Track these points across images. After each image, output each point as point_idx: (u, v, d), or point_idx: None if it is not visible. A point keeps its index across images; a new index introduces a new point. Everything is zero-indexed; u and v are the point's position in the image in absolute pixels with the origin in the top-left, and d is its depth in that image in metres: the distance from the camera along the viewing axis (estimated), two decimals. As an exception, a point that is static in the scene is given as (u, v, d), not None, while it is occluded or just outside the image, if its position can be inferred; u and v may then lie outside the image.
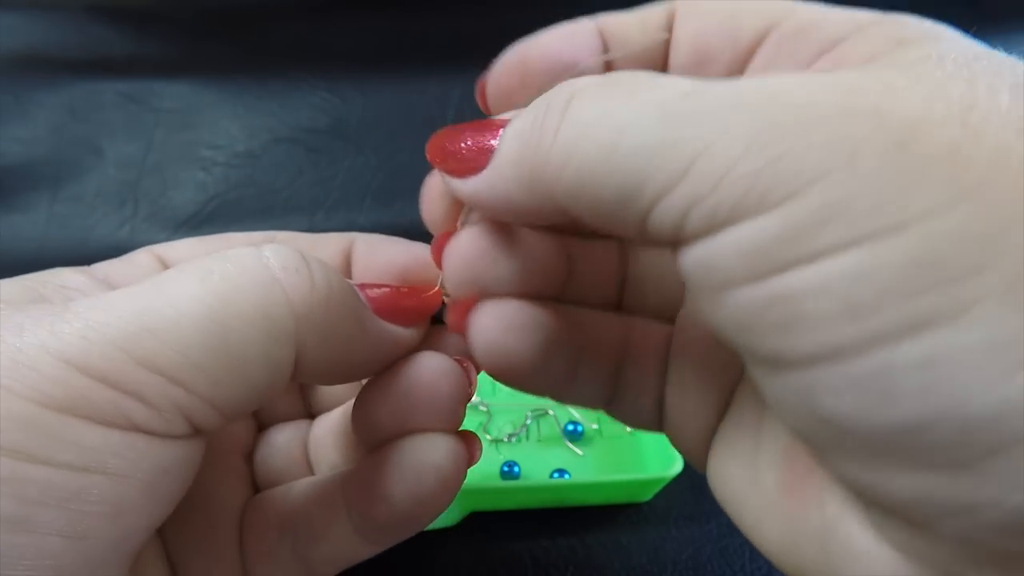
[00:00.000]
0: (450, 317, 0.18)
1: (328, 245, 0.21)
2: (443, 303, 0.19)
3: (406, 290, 0.18)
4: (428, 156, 0.17)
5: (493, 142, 0.15)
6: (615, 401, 0.19)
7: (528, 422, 0.34)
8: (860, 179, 0.10)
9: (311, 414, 0.24)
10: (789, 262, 0.10)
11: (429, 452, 0.18)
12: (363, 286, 0.18)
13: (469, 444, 0.19)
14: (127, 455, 0.13)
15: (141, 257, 0.19)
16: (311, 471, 0.22)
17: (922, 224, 0.10)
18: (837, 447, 0.11)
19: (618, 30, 0.17)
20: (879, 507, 0.12)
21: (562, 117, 0.13)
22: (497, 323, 0.17)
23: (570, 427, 0.33)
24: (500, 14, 0.51)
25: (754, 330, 0.11)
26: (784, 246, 0.10)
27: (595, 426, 0.34)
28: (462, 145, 0.16)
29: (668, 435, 0.19)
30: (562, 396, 0.19)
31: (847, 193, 0.10)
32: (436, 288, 0.19)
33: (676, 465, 0.28)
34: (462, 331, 0.17)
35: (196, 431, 0.14)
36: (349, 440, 0.22)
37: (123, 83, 0.52)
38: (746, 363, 0.13)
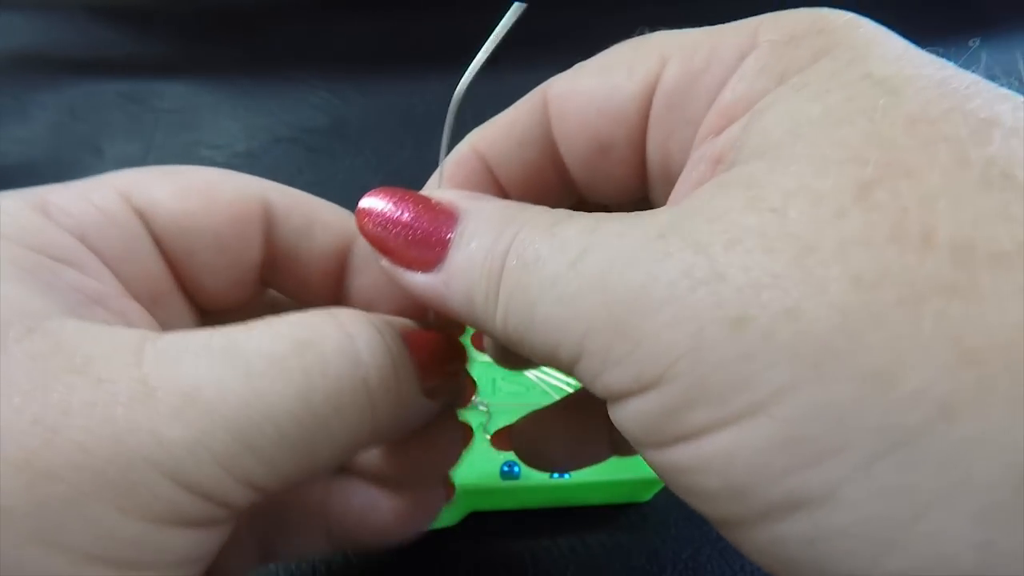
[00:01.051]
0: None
1: (326, 237, 0.20)
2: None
3: (445, 352, 0.18)
4: (362, 226, 0.16)
5: (448, 236, 0.15)
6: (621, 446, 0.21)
7: (528, 422, 0.34)
8: (708, 361, 0.10)
9: None
10: (674, 438, 0.11)
11: (434, 498, 0.21)
12: (417, 354, 0.17)
13: (448, 488, 0.23)
14: (204, 545, 0.14)
15: (114, 206, 0.17)
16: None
17: (772, 406, 0.10)
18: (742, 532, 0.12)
19: (495, 154, 0.18)
20: None
21: (497, 289, 0.14)
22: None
23: (570, 427, 0.33)
24: (500, 14, 0.51)
25: (674, 488, 0.12)
26: (667, 423, 0.11)
27: (595, 426, 0.34)
28: (410, 232, 0.15)
29: None
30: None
31: (702, 375, 0.11)
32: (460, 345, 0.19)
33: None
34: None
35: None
36: None
37: (123, 83, 0.52)
38: None
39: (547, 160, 0.18)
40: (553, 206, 0.15)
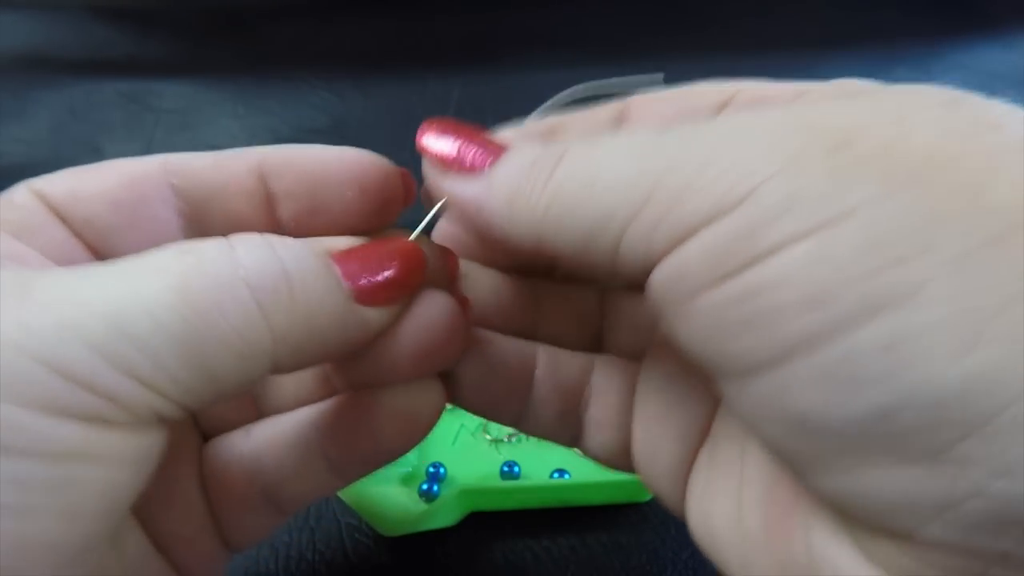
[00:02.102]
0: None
1: (234, 163, 0.19)
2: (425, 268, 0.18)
3: (393, 266, 0.17)
4: (423, 135, 0.17)
5: (492, 160, 0.16)
6: (581, 439, 0.20)
7: (528, 422, 0.34)
8: (804, 177, 0.11)
9: None
10: (749, 259, 0.11)
11: (425, 398, 0.19)
12: (344, 263, 0.16)
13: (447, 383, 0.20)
14: (103, 445, 0.13)
15: (21, 196, 0.18)
16: (255, 411, 0.22)
17: (866, 211, 0.10)
18: (814, 455, 0.12)
19: None
20: (863, 523, 0.12)
21: (551, 173, 0.14)
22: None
23: (570, 427, 0.33)
24: (500, 14, 0.51)
25: (724, 334, 0.12)
26: (742, 244, 0.11)
27: (595, 426, 0.34)
28: (462, 147, 0.16)
29: (640, 475, 0.19)
30: (520, 424, 0.20)
31: (793, 190, 0.11)
32: (412, 246, 0.17)
33: (676, 465, 0.28)
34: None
35: (164, 424, 0.14)
36: (312, 379, 0.21)
37: (123, 83, 0.52)
38: (719, 382, 0.13)
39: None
40: None
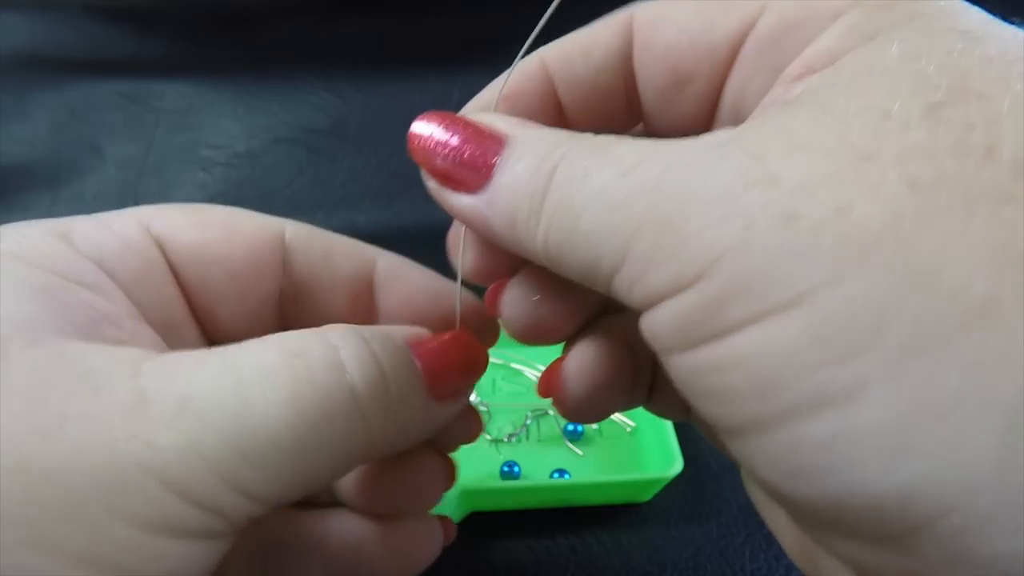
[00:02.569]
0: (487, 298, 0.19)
1: (346, 262, 0.20)
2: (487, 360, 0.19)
3: (458, 358, 0.18)
4: (412, 148, 0.17)
5: (494, 160, 0.15)
6: (655, 395, 0.20)
7: (528, 422, 0.34)
8: (754, 256, 0.11)
9: None
10: (707, 336, 0.11)
11: (428, 538, 0.20)
12: (424, 359, 0.17)
13: (446, 528, 0.22)
14: (202, 558, 0.14)
15: (135, 236, 0.18)
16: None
17: (812, 300, 0.10)
18: (792, 513, 0.12)
19: (567, 75, 0.18)
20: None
21: (543, 199, 0.14)
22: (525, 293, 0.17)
23: (570, 427, 0.33)
24: (500, 14, 0.51)
25: (695, 396, 0.12)
26: (701, 320, 0.11)
27: (595, 426, 0.34)
28: (457, 155, 0.16)
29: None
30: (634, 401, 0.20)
31: (744, 270, 0.11)
32: (482, 349, 0.19)
33: (676, 465, 0.28)
34: (494, 310, 0.18)
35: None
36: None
37: (123, 83, 0.52)
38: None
39: (619, 86, 0.18)
40: (602, 118, 0.16)
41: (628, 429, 0.33)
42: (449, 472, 0.21)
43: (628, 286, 0.13)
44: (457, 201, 0.16)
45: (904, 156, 0.10)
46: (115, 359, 0.13)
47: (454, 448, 0.21)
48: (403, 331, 0.17)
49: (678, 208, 0.12)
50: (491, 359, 0.38)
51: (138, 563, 0.12)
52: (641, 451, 0.32)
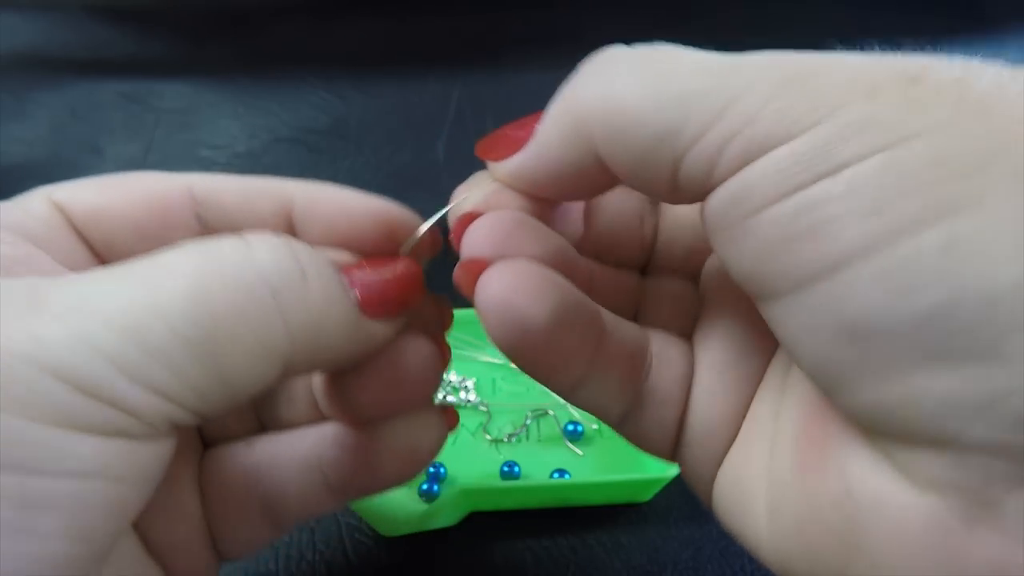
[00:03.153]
0: (459, 274, 0.16)
1: (262, 201, 0.19)
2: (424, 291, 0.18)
3: (392, 281, 0.17)
4: (478, 152, 0.17)
5: (535, 126, 0.16)
6: (633, 414, 0.18)
7: (528, 422, 0.34)
8: (880, 104, 0.11)
9: None
10: (817, 175, 0.12)
11: (424, 433, 0.19)
12: (348, 272, 0.16)
13: (448, 413, 0.20)
14: (121, 460, 0.13)
15: (38, 206, 0.18)
16: (258, 423, 0.22)
17: (935, 133, 0.11)
18: (861, 365, 0.12)
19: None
20: (903, 438, 0.12)
21: (603, 68, 0.14)
22: (511, 280, 0.15)
23: (570, 427, 0.33)
24: (500, 14, 0.51)
25: (782, 248, 0.12)
26: (811, 161, 0.12)
27: (595, 426, 0.34)
28: (505, 134, 0.16)
29: (684, 448, 0.18)
30: (576, 390, 0.17)
31: (869, 114, 0.11)
32: (413, 264, 0.18)
33: (676, 465, 0.28)
34: (470, 291, 0.16)
35: (178, 429, 0.14)
36: (313, 399, 0.21)
37: (123, 83, 0.52)
38: (769, 306, 0.13)
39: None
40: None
41: (628, 429, 0.33)
42: (441, 354, 0.19)
43: (719, 145, 0.13)
44: (507, 163, 0.16)
45: (994, 70, 0.12)
46: (24, 281, 0.13)
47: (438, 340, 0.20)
48: (333, 254, 0.17)
49: (800, 71, 0.12)
50: (491, 359, 0.38)
51: (47, 459, 0.12)
52: (641, 451, 0.32)
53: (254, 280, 0.14)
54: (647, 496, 0.30)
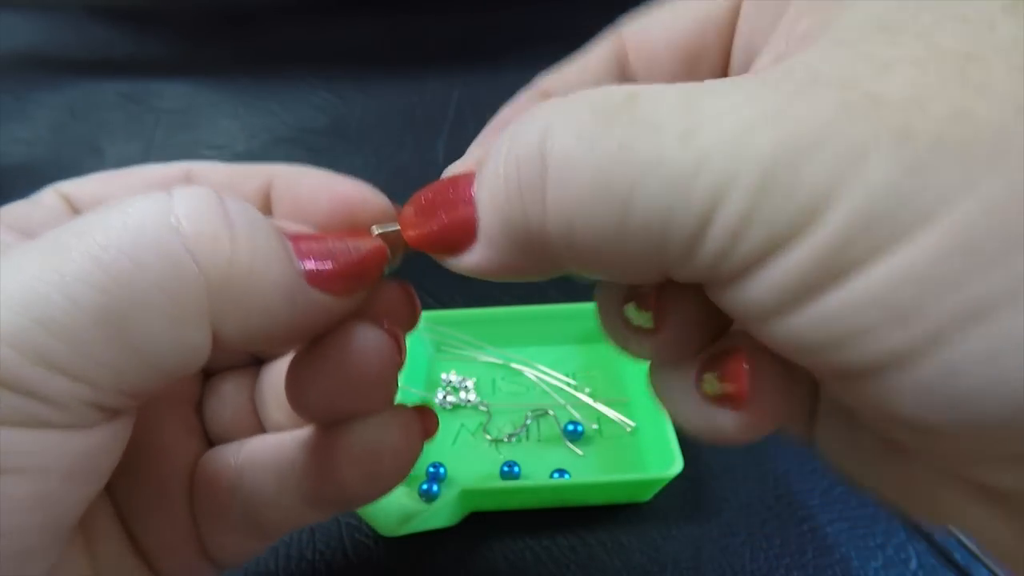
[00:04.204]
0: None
1: (247, 182, 0.19)
2: (387, 268, 0.17)
3: (347, 253, 0.16)
4: (410, 242, 0.15)
5: (470, 210, 0.14)
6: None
7: (528, 422, 0.34)
8: (874, 186, 0.10)
9: (259, 359, 0.22)
10: (826, 285, 0.10)
11: (383, 435, 0.17)
12: (297, 240, 0.15)
13: (424, 418, 0.18)
14: (40, 451, 0.12)
15: (48, 198, 0.18)
16: (260, 425, 0.21)
17: (948, 210, 0.09)
18: (927, 447, 0.11)
19: (560, 91, 0.16)
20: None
21: (544, 175, 0.12)
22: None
23: (570, 427, 0.33)
24: (500, 14, 0.51)
25: (808, 351, 0.11)
26: (817, 271, 0.10)
27: (595, 426, 0.34)
28: (437, 223, 0.14)
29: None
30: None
31: (866, 203, 0.10)
32: (377, 242, 0.16)
33: (676, 465, 0.28)
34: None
35: (112, 414, 0.13)
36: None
37: (123, 83, 0.52)
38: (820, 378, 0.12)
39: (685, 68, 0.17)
40: None
41: (628, 429, 0.33)
42: (396, 346, 0.17)
43: (710, 263, 0.11)
44: (459, 262, 0.14)
45: (1004, 51, 0.10)
46: None
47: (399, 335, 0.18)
48: (286, 224, 0.16)
49: (775, 160, 0.10)
50: (491, 359, 0.38)
51: None
52: (641, 451, 0.32)
53: (165, 233, 0.12)
54: (647, 496, 0.30)
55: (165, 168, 0.19)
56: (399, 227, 0.16)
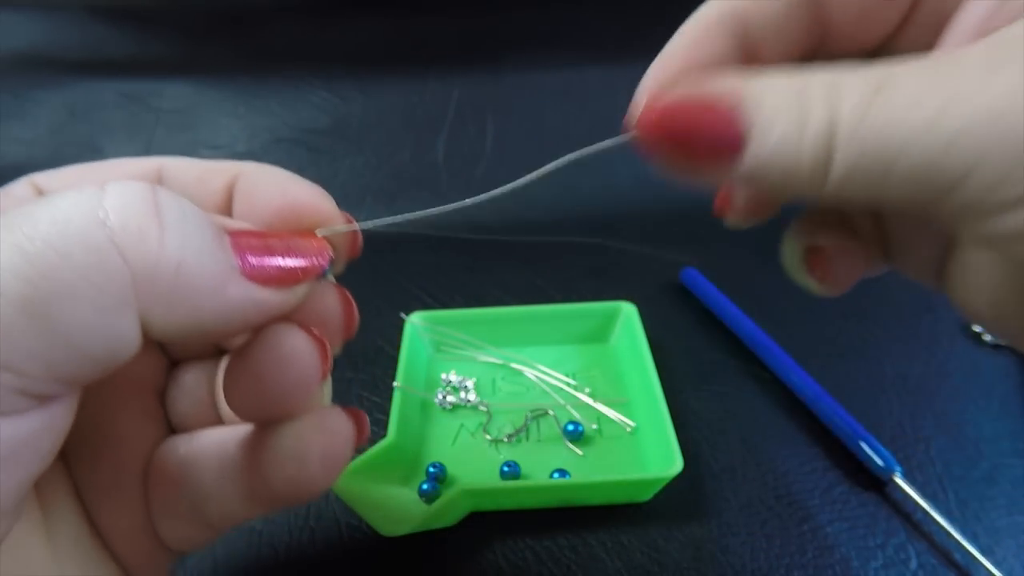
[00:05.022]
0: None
1: (215, 178, 0.19)
2: (328, 267, 0.17)
3: (285, 249, 0.16)
4: (653, 135, 0.15)
5: (739, 131, 0.14)
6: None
7: (528, 422, 0.34)
8: None
9: (221, 350, 0.22)
10: None
11: (309, 439, 0.17)
12: (235, 235, 0.15)
13: (358, 422, 0.19)
14: None
15: (19, 188, 0.18)
16: (219, 416, 0.21)
17: None
18: None
19: (759, 21, 0.17)
20: None
21: (831, 145, 0.13)
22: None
23: (570, 427, 0.33)
24: (500, 14, 0.51)
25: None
26: None
27: (595, 426, 0.34)
28: (701, 135, 0.14)
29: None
30: None
31: None
32: (319, 241, 0.17)
33: (676, 465, 0.28)
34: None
35: (48, 398, 0.13)
36: None
37: (123, 83, 0.52)
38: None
39: (806, 18, 0.17)
40: (794, 53, 0.16)
41: (628, 429, 0.33)
42: (320, 352, 0.17)
43: (984, 192, 0.12)
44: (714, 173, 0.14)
45: None
46: None
47: (333, 342, 0.18)
48: (226, 220, 0.16)
49: (1016, 145, 0.12)
50: (491, 359, 0.38)
51: None
52: (641, 451, 0.32)
53: (91, 226, 0.13)
54: (647, 496, 0.30)
55: (139, 162, 0.19)
56: (345, 231, 0.17)
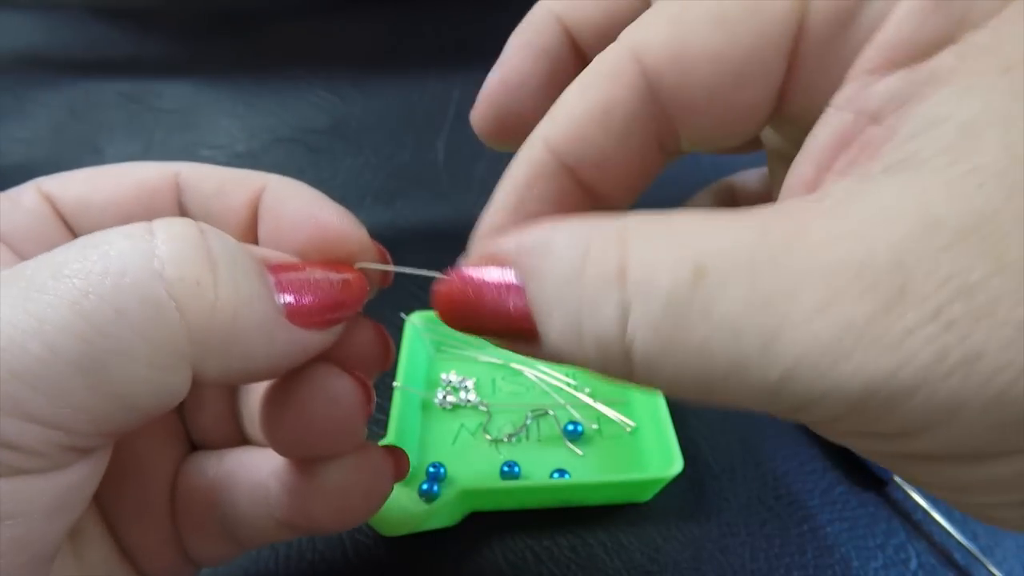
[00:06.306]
0: None
1: (237, 190, 0.18)
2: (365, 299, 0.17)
3: (328, 286, 0.15)
4: (455, 326, 0.14)
5: (531, 327, 0.12)
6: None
7: (528, 422, 0.34)
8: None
9: None
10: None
11: (354, 477, 0.18)
12: (277, 271, 0.15)
13: (397, 460, 0.19)
14: (17, 498, 0.12)
15: (28, 197, 0.17)
16: (240, 431, 0.21)
17: None
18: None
19: (576, 147, 0.15)
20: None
21: (629, 365, 0.11)
22: None
23: (570, 427, 0.33)
24: (500, 14, 0.51)
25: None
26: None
27: (595, 426, 0.34)
28: (490, 317, 0.13)
29: None
30: None
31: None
32: (358, 276, 0.16)
33: (676, 465, 0.28)
34: None
35: (89, 451, 0.13)
36: None
37: (123, 83, 0.52)
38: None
39: (651, 134, 0.15)
40: (637, 176, 0.14)
41: (628, 429, 0.33)
42: (364, 394, 0.17)
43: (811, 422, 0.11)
44: (531, 350, 0.13)
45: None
46: None
47: (368, 375, 0.18)
48: (265, 252, 0.15)
49: (863, 396, 0.10)
50: (491, 359, 0.38)
51: None
52: (641, 451, 0.32)
53: (148, 277, 0.12)
54: (647, 496, 0.30)
55: (154, 168, 0.18)
56: (377, 263, 0.17)
